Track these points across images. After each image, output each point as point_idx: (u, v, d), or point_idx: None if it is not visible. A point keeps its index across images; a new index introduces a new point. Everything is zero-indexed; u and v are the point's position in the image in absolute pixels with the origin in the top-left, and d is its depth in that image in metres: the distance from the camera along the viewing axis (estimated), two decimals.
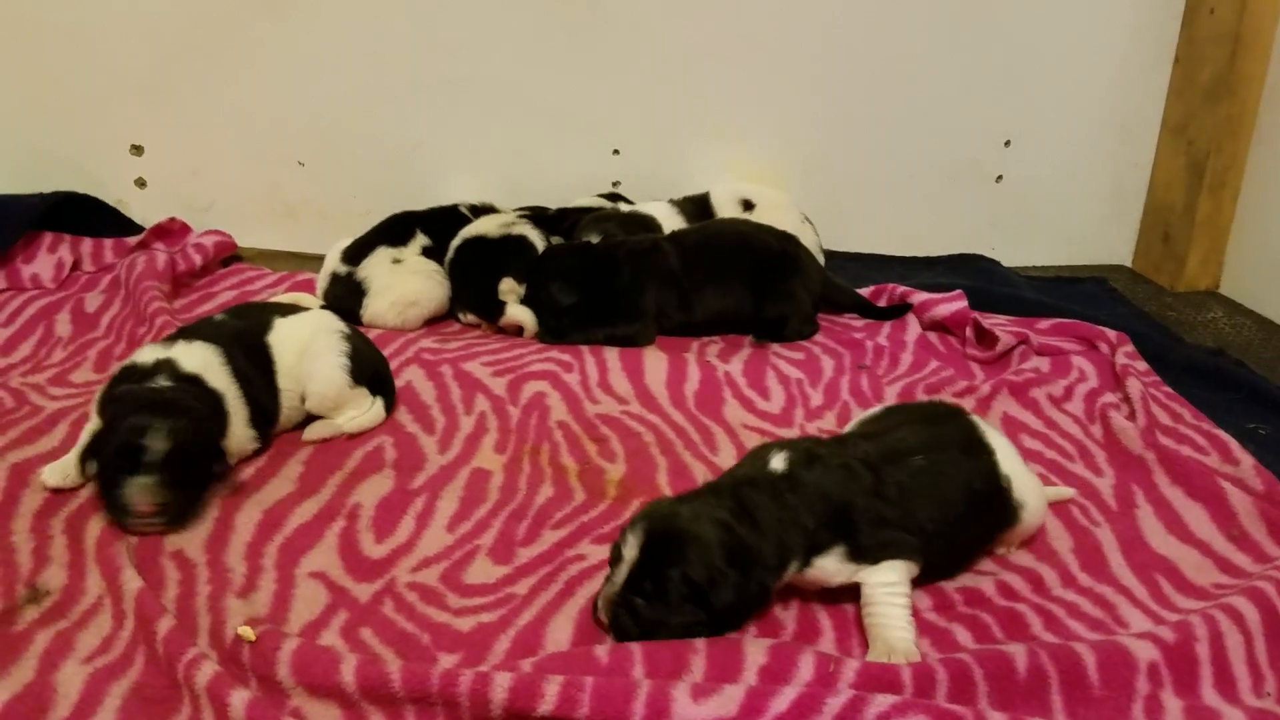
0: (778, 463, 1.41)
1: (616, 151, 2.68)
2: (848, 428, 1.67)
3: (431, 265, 2.32)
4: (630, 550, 1.30)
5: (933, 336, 2.29)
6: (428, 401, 1.94)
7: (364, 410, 1.82)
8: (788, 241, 2.30)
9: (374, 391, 1.85)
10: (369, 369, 1.84)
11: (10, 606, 1.34)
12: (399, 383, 1.99)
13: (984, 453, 1.49)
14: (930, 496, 1.41)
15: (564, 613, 1.39)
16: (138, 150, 2.55)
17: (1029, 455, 1.82)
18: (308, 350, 1.78)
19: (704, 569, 1.27)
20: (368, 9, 2.48)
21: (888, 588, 1.36)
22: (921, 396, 2.01)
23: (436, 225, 2.38)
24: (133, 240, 2.46)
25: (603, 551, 1.52)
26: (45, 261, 2.36)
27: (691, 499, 1.37)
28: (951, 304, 2.30)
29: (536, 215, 2.44)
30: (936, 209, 2.82)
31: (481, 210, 2.45)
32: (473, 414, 1.91)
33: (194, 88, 2.51)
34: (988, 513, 1.48)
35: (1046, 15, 2.67)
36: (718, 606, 1.28)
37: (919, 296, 2.36)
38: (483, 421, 1.89)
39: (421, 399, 1.95)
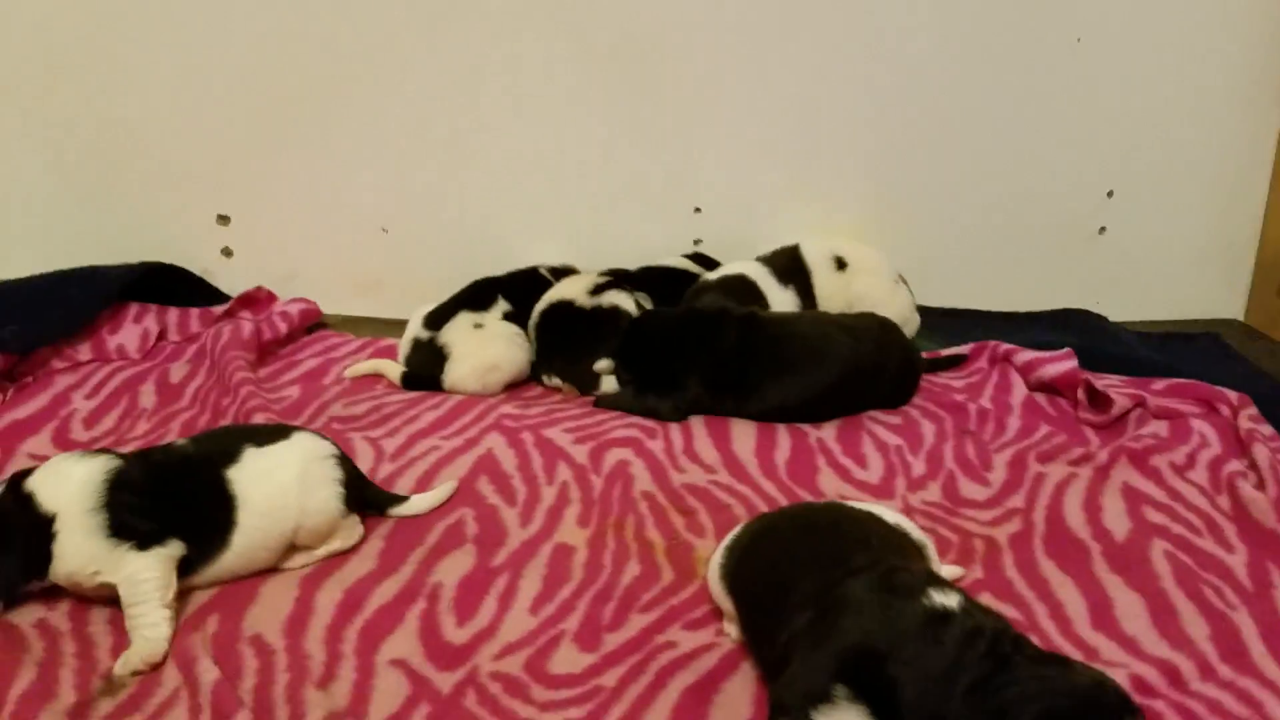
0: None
1: (698, 210, 2.63)
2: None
3: (512, 329, 2.29)
4: None
5: (1041, 398, 2.16)
6: (509, 470, 1.88)
7: (349, 536, 1.65)
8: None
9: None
10: (359, 490, 1.68)
11: (85, 699, 1.30)
12: (480, 450, 1.94)
13: None
14: None
15: (656, 709, 1.30)
16: (224, 220, 2.58)
17: (1153, 530, 1.69)
18: (300, 484, 1.58)
19: None
20: (443, 77, 2.49)
21: None
22: (1034, 465, 1.88)
23: (517, 289, 2.36)
24: (219, 309, 2.47)
25: (694, 638, 1.43)
26: (131, 332, 2.37)
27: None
28: (1061, 364, 2.17)
29: (620, 277, 2.39)
30: (1036, 263, 2.69)
31: (562, 272, 2.42)
32: (555, 484, 1.84)
33: (278, 157, 2.54)
34: None
35: (1149, 62, 2.56)
36: None
37: (1024, 355, 2.24)
38: (565, 492, 1.82)
39: (503, 468, 1.89)
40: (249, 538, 1.53)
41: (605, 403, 2.13)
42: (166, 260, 2.52)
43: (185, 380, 2.22)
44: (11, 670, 1.35)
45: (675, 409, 2.08)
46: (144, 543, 1.45)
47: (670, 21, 2.46)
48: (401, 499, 1.75)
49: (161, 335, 2.41)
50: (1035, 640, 1.41)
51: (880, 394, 2.11)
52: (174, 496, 1.51)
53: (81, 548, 1.43)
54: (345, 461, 1.67)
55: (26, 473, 1.50)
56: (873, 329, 2.14)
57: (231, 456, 1.56)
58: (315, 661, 1.38)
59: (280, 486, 1.56)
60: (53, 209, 2.55)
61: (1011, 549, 1.66)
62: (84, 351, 2.29)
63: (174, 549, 1.47)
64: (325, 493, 1.59)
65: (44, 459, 1.56)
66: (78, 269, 2.42)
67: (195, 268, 2.56)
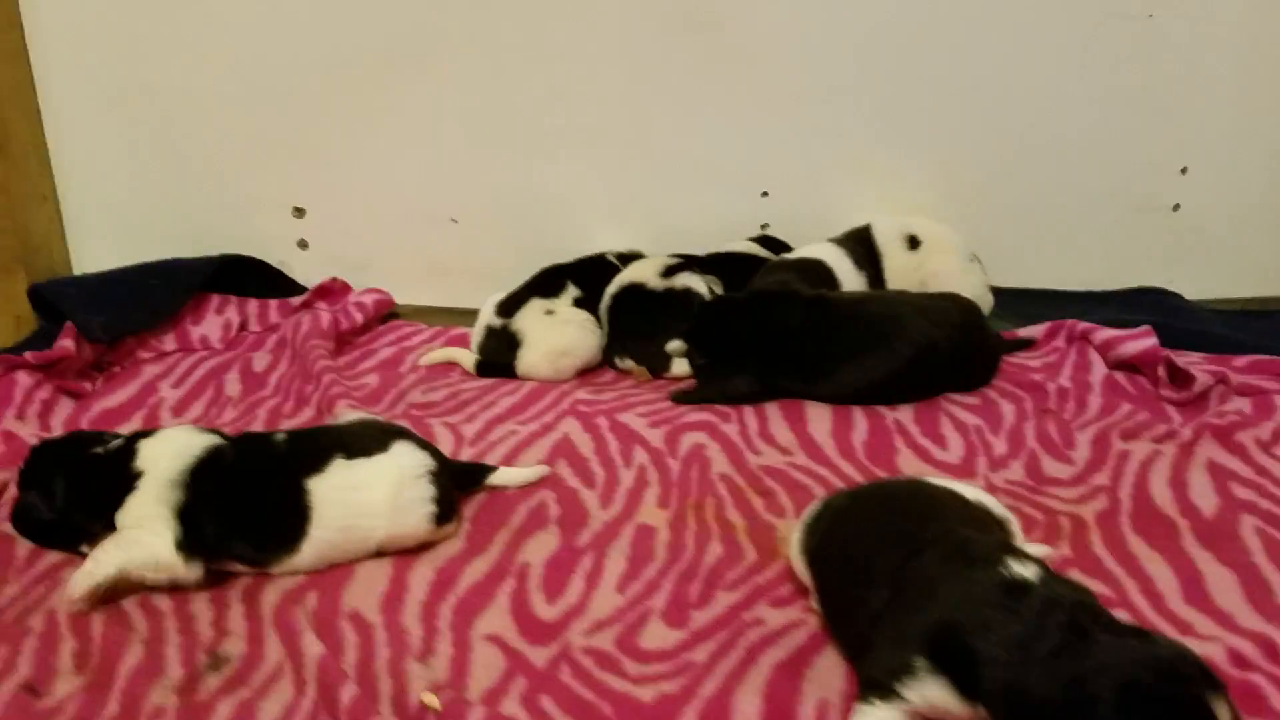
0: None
1: (765, 194, 2.62)
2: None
3: (583, 315, 2.31)
4: None
5: (1120, 377, 2.13)
6: (586, 455, 1.90)
7: (445, 536, 1.65)
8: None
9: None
10: (453, 498, 1.65)
11: (192, 673, 1.35)
12: (556, 435, 1.96)
13: None
14: None
15: (749, 683, 1.31)
16: (300, 212, 2.63)
17: (1241, 506, 1.67)
18: (389, 506, 1.56)
19: None
20: (507, 64, 2.51)
21: None
22: (1117, 442, 1.86)
23: (586, 275, 2.38)
24: (296, 300, 2.53)
25: (782, 615, 1.44)
26: (213, 323, 2.43)
27: None
28: (1140, 341, 2.14)
29: (689, 261, 2.40)
30: (1109, 241, 2.65)
31: (629, 258, 2.44)
32: (632, 467, 1.86)
33: (350, 149, 2.58)
34: None
35: (1221, 34, 2.50)
36: None
37: (1103, 333, 2.21)
38: (643, 475, 1.84)
39: (580, 452, 1.91)
40: (318, 549, 1.53)
41: (680, 398, 2.11)
42: (245, 253, 2.57)
43: (268, 369, 2.27)
44: (119, 648, 1.40)
45: (749, 389, 2.07)
46: (184, 542, 1.47)
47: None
48: (491, 468, 1.78)
49: (243, 326, 2.46)
50: (1127, 616, 1.42)
51: (957, 378, 2.09)
52: (249, 496, 1.53)
53: (144, 506, 1.49)
54: (440, 475, 1.61)
55: (150, 432, 1.60)
56: (950, 311, 2.11)
57: (318, 464, 1.54)
58: (413, 636, 1.41)
59: (362, 507, 1.54)
60: (134, 205, 2.61)
61: (1098, 526, 1.64)
62: (168, 342, 2.36)
63: (189, 571, 1.48)
64: (417, 515, 1.58)
65: None
66: (160, 262, 2.49)
67: (272, 260, 2.61)
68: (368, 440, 1.61)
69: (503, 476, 1.78)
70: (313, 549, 1.53)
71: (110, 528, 1.50)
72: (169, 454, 1.53)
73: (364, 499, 1.54)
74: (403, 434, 1.66)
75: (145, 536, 1.47)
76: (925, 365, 2.04)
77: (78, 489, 1.52)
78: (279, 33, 2.48)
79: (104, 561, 1.45)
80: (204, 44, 2.49)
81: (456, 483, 1.69)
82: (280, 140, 2.57)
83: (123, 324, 2.29)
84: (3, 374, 2.06)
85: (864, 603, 1.26)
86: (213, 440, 1.57)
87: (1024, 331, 2.32)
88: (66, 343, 2.15)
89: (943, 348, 2.05)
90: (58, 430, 1.99)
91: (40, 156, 2.49)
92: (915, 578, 1.21)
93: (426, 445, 1.67)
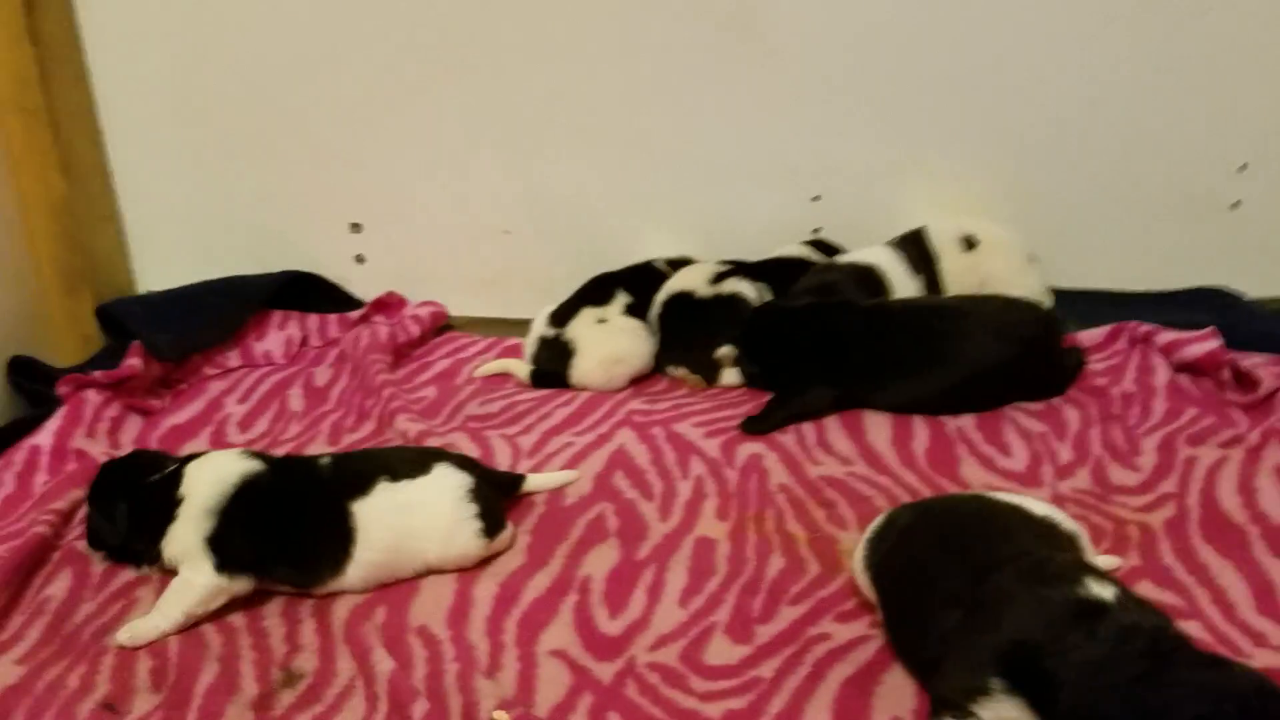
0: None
1: (817, 198, 2.61)
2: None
3: (634, 323, 2.32)
4: None
5: (1184, 380, 2.09)
6: (643, 465, 1.91)
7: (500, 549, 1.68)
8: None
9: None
10: (500, 511, 1.67)
11: (267, 691, 1.38)
12: (612, 445, 1.97)
13: None
14: None
15: (818, 700, 1.31)
16: (357, 228, 2.66)
17: None
18: (433, 527, 1.59)
19: None
20: (556, 72, 2.51)
21: None
22: (1184, 448, 1.83)
23: (636, 283, 2.39)
24: (355, 315, 2.56)
25: (848, 630, 1.44)
26: (276, 338, 2.47)
27: None
28: (1204, 343, 2.10)
29: (739, 267, 2.40)
30: (1167, 240, 2.59)
31: (678, 264, 2.44)
32: (689, 478, 1.86)
33: (404, 164, 2.61)
34: None
35: (1276, 26, 2.44)
36: None
37: (1165, 335, 2.17)
38: (700, 486, 1.84)
39: (636, 463, 1.92)
40: (364, 571, 1.55)
41: (753, 427, 2.01)
42: (304, 269, 2.62)
43: (329, 384, 2.31)
44: (195, 666, 1.43)
45: (824, 404, 2.03)
46: (224, 565, 1.51)
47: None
48: (521, 477, 1.80)
49: (304, 341, 2.50)
50: (1199, 626, 1.40)
51: (1020, 394, 2.03)
52: (292, 519, 1.55)
53: (184, 538, 1.53)
54: (481, 490, 1.62)
55: (198, 455, 1.64)
56: (1021, 324, 2.07)
57: (363, 487, 1.57)
58: (480, 651, 1.43)
59: (406, 530, 1.56)
60: (196, 223, 2.66)
61: (1167, 535, 1.62)
62: (233, 358, 2.40)
63: (242, 584, 1.52)
64: (466, 535, 1.59)
65: None
66: (223, 279, 2.54)
67: (331, 275, 2.65)
68: (412, 462, 1.64)
69: (534, 483, 1.80)
70: (359, 571, 1.55)
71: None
72: (207, 480, 1.56)
73: (410, 522, 1.56)
74: (440, 455, 1.68)
75: (195, 579, 1.51)
76: (984, 383, 2.01)
77: (135, 517, 1.57)
78: (336, 51, 2.51)
79: (169, 614, 1.49)
80: (262, 63, 2.53)
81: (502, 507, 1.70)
82: (338, 156, 2.60)
83: (188, 341, 2.34)
84: (72, 393, 2.11)
85: (933, 622, 1.25)
86: (253, 465, 1.60)
87: (1085, 335, 2.28)
88: (134, 361, 2.20)
89: (1005, 366, 2.01)
90: (127, 448, 2.03)
91: (103, 177, 2.55)
92: (990, 597, 1.20)
93: (465, 462, 1.68)
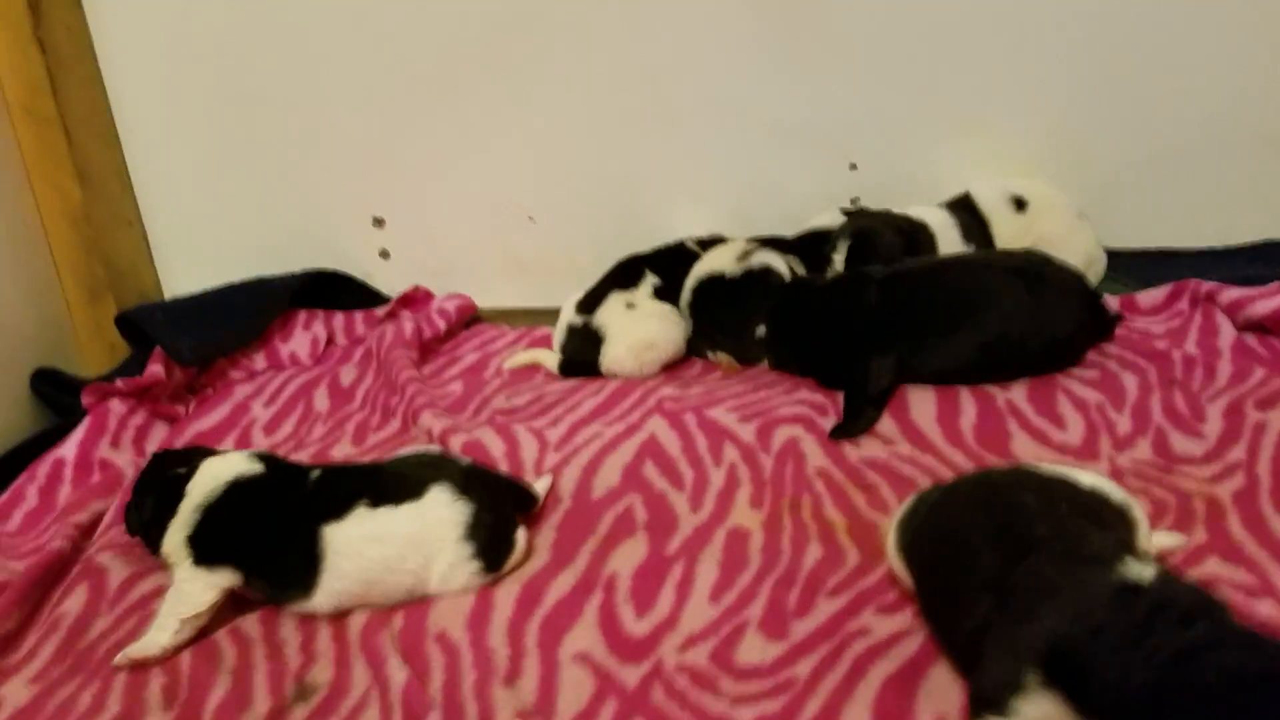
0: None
1: (854, 166, 2.49)
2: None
3: (665, 307, 2.24)
4: None
5: (1251, 339, 1.95)
6: (674, 454, 1.82)
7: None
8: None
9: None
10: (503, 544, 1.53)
11: (280, 705, 1.32)
12: (643, 435, 1.89)
13: None
14: None
15: (857, 699, 1.22)
16: (379, 222, 2.62)
17: None
18: (414, 561, 1.46)
19: None
20: (575, 48, 2.44)
21: None
22: (1252, 413, 1.70)
23: (665, 264, 2.30)
24: (381, 311, 2.51)
25: (890, 624, 1.35)
26: (302, 339, 2.43)
27: None
28: (1271, 299, 1.95)
29: (771, 242, 2.30)
30: (1229, 192, 2.43)
31: (709, 243, 2.35)
32: (722, 466, 1.78)
33: (425, 154, 2.56)
34: None
35: None
36: None
37: (1230, 293, 2.03)
38: (734, 474, 1.75)
39: (668, 452, 1.83)
40: (334, 599, 1.45)
41: (842, 434, 1.84)
42: (328, 266, 2.58)
43: (355, 383, 2.26)
44: (207, 681, 1.38)
45: (885, 372, 1.90)
46: (199, 559, 1.47)
47: None
48: (535, 497, 1.69)
49: (330, 340, 2.46)
50: (1273, 604, 1.29)
51: (1038, 365, 1.90)
52: (265, 533, 1.49)
53: (174, 537, 1.50)
54: (482, 522, 1.48)
55: (212, 452, 1.61)
56: (1046, 274, 1.93)
57: (339, 510, 1.45)
58: (500, 657, 1.36)
59: (382, 562, 1.43)
60: (218, 224, 2.64)
61: (1236, 507, 1.49)
62: (259, 361, 2.37)
63: (224, 577, 1.47)
64: (459, 573, 1.46)
65: None
66: (246, 281, 2.49)
67: (356, 272, 2.61)
68: (401, 485, 1.49)
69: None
70: (328, 599, 1.45)
71: None
72: (204, 479, 1.53)
73: (385, 554, 1.44)
74: (443, 472, 1.51)
75: (178, 577, 1.48)
76: (1019, 343, 1.88)
77: (154, 509, 1.54)
78: (352, 42, 2.47)
79: (164, 625, 1.44)
80: (277, 59, 2.49)
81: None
82: (357, 150, 2.56)
83: (211, 346, 2.31)
84: (97, 402, 2.09)
85: (969, 610, 1.16)
86: (251, 468, 1.54)
87: (1143, 296, 2.15)
88: (157, 368, 2.17)
89: (1016, 337, 1.88)
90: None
91: (122, 181, 2.53)
92: (1026, 582, 1.11)
93: (471, 480, 1.53)
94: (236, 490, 1.52)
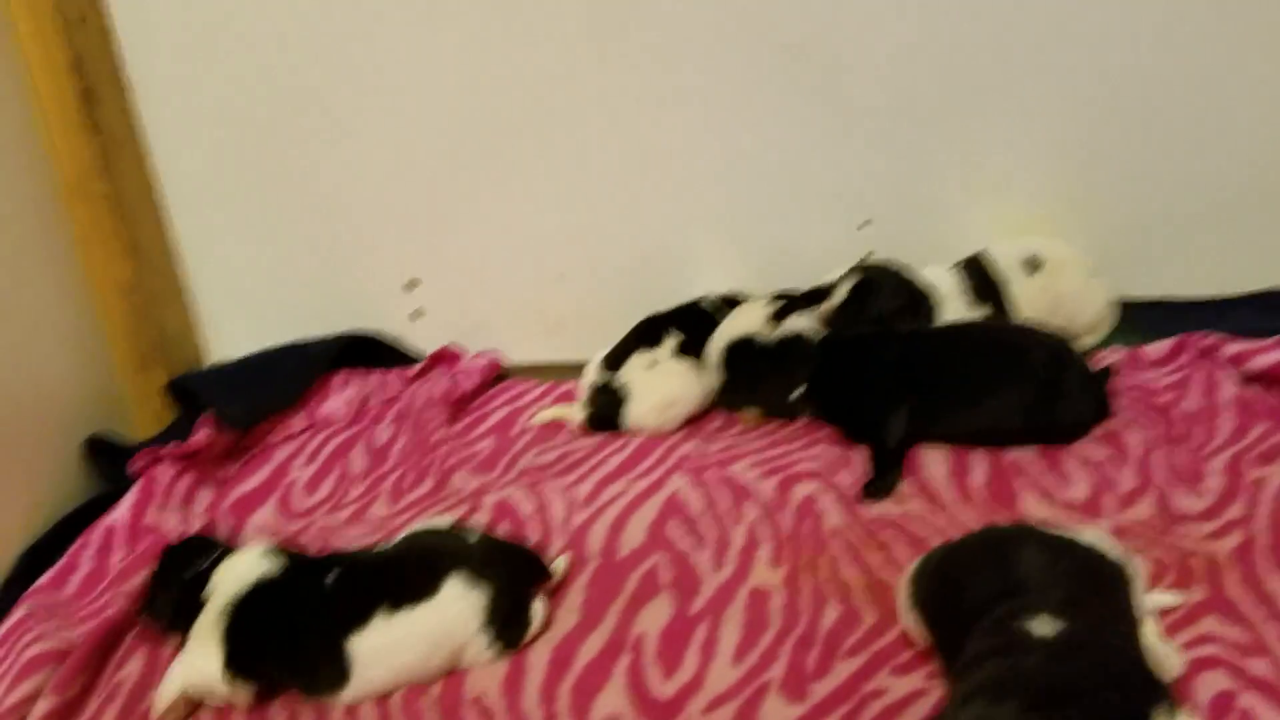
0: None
1: (868, 222, 2.56)
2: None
3: (685, 364, 2.31)
4: None
5: (1254, 394, 2.00)
6: (696, 512, 1.90)
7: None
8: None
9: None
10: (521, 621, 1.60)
11: None
12: (665, 492, 1.97)
13: None
14: None
15: None
16: (414, 283, 2.71)
17: None
18: (434, 659, 1.54)
19: None
20: (601, 114, 2.53)
21: None
22: (1252, 470, 1.76)
23: (685, 322, 2.39)
24: (413, 370, 2.60)
25: (905, 684, 1.42)
26: (338, 399, 2.53)
27: None
28: (1272, 353, 2.01)
29: (791, 300, 2.37)
30: (1230, 242, 2.48)
31: (728, 301, 2.43)
32: (743, 523, 1.85)
33: (458, 217, 2.64)
34: None
35: None
36: None
37: (1233, 346, 2.09)
38: (754, 532, 1.82)
39: (689, 510, 1.91)
40: (363, 695, 1.52)
41: (875, 493, 1.90)
42: (362, 327, 2.68)
43: (389, 442, 2.35)
44: None
45: (900, 425, 1.99)
46: (229, 663, 1.53)
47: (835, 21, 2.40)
48: (549, 573, 1.74)
49: (365, 400, 2.55)
50: (1267, 664, 1.35)
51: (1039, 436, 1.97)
52: (292, 639, 1.54)
53: (201, 633, 1.56)
54: (500, 603, 1.54)
55: (220, 545, 1.69)
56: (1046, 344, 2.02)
57: (361, 617, 1.50)
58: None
59: (405, 665, 1.51)
60: (262, 291, 2.74)
61: (1234, 565, 1.56)
62: (299, 421, 2.46)
63: (242, 692, 1.53)
64: (481, 656, 1.54)
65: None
66: (286, 345, 2.61)
67: (392, 331, 2.71)
68: (416, 580, 1.53)
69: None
70: (358, 695, 1.52)
71: None
72: (227, 581, 1.59)
73: (409, 656, 1.51)
74: (458, 561, 1.55)
75: (198, 659, 1.54)
76: (1007, 434, 1.97)
77: (175, 609, 1.62)
78: (387, 118, 2.56)
79: (171, 679, 1.54)
80: (316, 136, 2.58)
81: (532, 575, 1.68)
82: (392, 215, 2.65)
83: (257, 409, 2.41)
84: (145, 468, 2.19)
85: (964, 673, 1.24)
86: (269, 569, 1.60)
87: (1149, 349, 2.20)
88: (204, 432, 2.27)
89: (1023, 426, 1.96)
90: (200, 520, 2.10)
91: (169, 256, 2.64)
92: (970, 652, 1.22)
93: (489, 560, 1.58)
94: (261, 593, 1.57)
